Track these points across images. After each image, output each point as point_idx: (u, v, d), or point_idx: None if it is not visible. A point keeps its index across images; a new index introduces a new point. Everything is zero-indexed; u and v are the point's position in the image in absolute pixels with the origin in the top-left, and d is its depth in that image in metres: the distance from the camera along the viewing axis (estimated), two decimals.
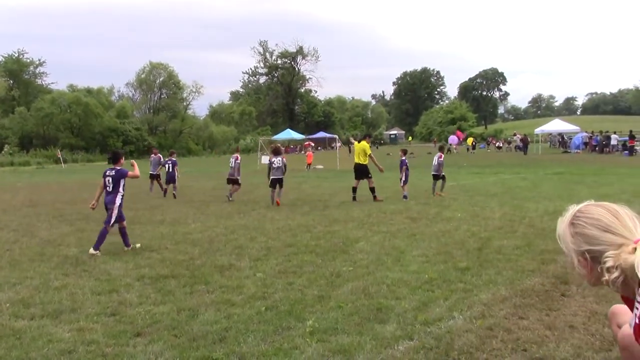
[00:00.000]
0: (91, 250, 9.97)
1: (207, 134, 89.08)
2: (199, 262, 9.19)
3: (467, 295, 6.86)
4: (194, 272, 8.41)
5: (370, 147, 18.62)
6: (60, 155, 56.37)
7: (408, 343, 5.34)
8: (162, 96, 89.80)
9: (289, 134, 57.98)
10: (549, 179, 24.52)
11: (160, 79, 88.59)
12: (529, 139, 62.41)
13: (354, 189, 17.86)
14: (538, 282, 7.40)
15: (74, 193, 22.94)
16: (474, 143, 72.56)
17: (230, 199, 18.72)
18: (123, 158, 11.11)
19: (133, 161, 11.59)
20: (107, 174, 10.60)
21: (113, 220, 10.38)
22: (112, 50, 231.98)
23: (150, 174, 22.69)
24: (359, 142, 18.96)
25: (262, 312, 6.40)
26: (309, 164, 40.53)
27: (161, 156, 23.28)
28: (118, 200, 10.45)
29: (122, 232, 10.57)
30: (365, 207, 15.90)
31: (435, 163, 19.09)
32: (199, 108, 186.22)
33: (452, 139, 71.54)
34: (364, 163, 18.05)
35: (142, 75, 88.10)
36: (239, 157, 19.58)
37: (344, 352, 5.17)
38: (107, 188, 10.54)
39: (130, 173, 10.64)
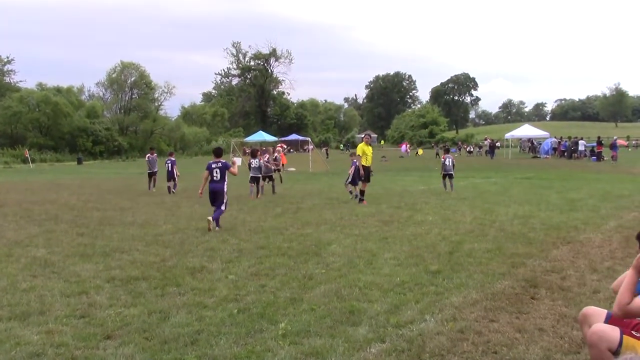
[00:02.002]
0: (217, 228, 12.52)
1: (178, 135, 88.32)
2: (170, 263, 9.12)
3: (439, 298, 6.92)
4: (165, 274, 8.34)
5: (364, 147, 18.36)
6: (28, 155, 55.46)
7: (380, 345, 5.37)
8: (133, 96, 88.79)
9: (262, 136, 57.86)
10: (518, 183, 24.83)
11: (132, 79, 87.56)
12: (495, 144, 63.24)
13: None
14: (508, 285, 7.49)
15: (42, 193, 22.61)
16: (446, 147, 73.81)
17: (262, 194, 20.87)
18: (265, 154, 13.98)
19: (235, 159, 13.76)
20: (213, 166, 12.97)
21: (225, 204, 13.05)
22: (82, 49, 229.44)
23: (148, 172, 24.12)
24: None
25: (234, 314, 6.38)
26: (283, 164, 40.53)
27: (156, 155, 24.91)
28: (225, 187, 13.02)
29: (219, 214, 12.79)
30: (338, 210, 15.94)
31: (450, 164, 21.35)
32: (171, 109, 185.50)
33: (403, 148, 74.24)
34: (369, 165, 18.06)
35: (113, 75, 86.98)
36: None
37: (317, 354, 5.17)
38: (215, 177, 12.93)
39: (231, 169, 13.04)
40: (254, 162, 20.38)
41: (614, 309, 3.94)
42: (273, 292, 7.34)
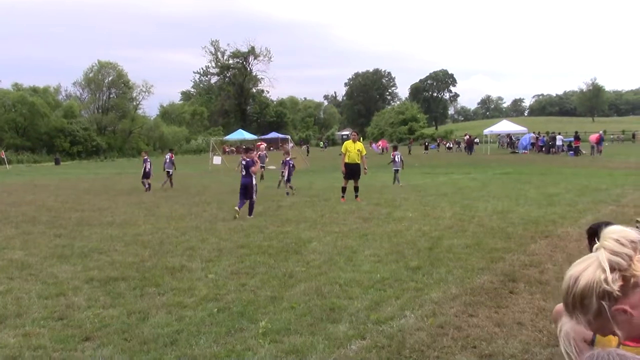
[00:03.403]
0: (249, 216, 14.12)
1: (157, 134, 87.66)
2: (149, 264, 9.06)
3: (419, 294, 6.95)
4: (144, 274, 8.28)
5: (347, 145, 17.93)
6: (4, 156, 54.70)
7: (360, 342, 5.38)
8: (111, 96, 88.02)
9: (241, 135, 57.68)
10: (497, 178, 25.00)
11: (109, 78, 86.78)
12: (474, 140, 63.70)
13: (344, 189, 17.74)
14: (487, 280, 7.54)
15: (19, 195, 22.33)
16: (426, 143, 73.94)
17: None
18: (254, 151, 16.16)
19: (257, 159, 15.44)
20: (243, 163, 14.80)
21: (255, 194, 14.58)
22: (58, 48, 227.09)
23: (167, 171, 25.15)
24: None
25: (214, 313, 6.35)
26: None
27: (173, 155, 26.21)
28: (254, 181, 14.58)
29: (251, 206, 14.44)
30: (318, 207, 15.93)
31: (399, 160, 23.35)
32: (149, 108, 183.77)
33: (374, 147, 73.93)
34: (352, 162, 17.63)
35: (90, 75, 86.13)
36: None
37: (297, 352, 5.17)
38: (242, 173, 14.69)
39: (252, 168, 14.52)
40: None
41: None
42: (253, 290, 7.33)
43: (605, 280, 1.74)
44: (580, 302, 1.80)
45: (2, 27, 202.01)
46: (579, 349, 3.71)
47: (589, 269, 1.80)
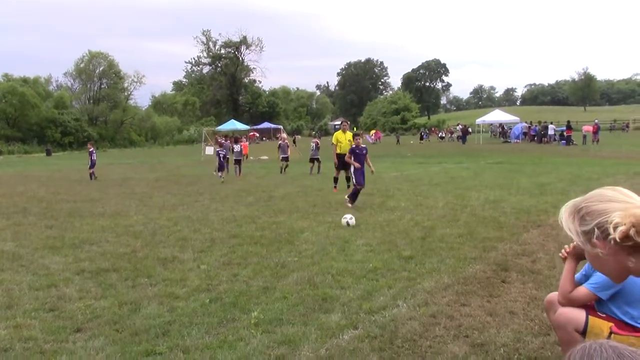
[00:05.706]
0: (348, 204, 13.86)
1: (149, 125, 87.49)
2: (141, 254, 9.02)
3: (411, 284, 6.94)
4: (136, 265, 8.25)
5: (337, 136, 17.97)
6: None
7: (353, 332, 5.37)
8: (102, 86, 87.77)
9: (233, 125, 57.54)
10: (489, 168, 25.05)
11: (100, 69, 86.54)
12: (468, 129, 63.85)
13: (343, 178, 17.64)
14: (479, 269, 7.54)
15: (10, 186, 22.22)
16: (422, 133, 73.85)
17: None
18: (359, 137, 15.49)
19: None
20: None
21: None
22: (49, 38, 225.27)
23: (227, 158, 26.51)
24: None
25: (206, 304, 6.33)
26: (245, 155, 40.25)
27: (227, 142, 29.42)
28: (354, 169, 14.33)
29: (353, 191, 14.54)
30: (310, 197, 15.91)
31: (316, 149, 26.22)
32: (141, 98, 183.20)
33: (368, 138, 73.98)
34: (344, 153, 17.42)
35: (81, 65, 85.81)
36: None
37: (289, 342, 5.16)
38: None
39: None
40: (236, 147, 25.81)
41: (558, 297, 4.00)
42: (245, 281, 7.31)
43: (617, 223, 1.92)
44: (587, 213, 2.02)
45: None
46: (571, 337, 3.71)
47: (622, 203, 2.00)
